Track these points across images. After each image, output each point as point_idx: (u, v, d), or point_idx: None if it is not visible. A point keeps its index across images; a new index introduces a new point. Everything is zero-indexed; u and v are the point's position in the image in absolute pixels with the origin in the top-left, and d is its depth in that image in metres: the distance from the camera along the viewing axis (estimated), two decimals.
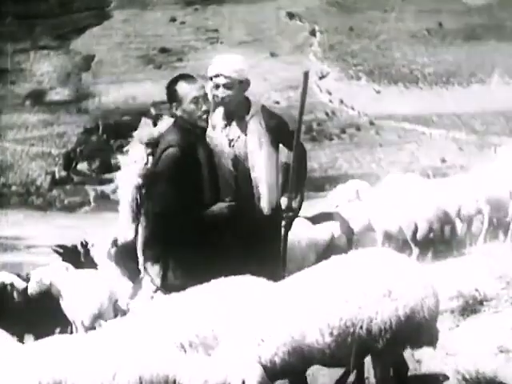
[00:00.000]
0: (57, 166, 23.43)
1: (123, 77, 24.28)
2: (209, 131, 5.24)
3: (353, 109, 23.70)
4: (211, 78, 5.20)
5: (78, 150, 23.59)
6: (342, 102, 23.83)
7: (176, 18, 25.21)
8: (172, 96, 5.21)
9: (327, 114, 23.31)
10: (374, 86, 24.13)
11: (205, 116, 5.14)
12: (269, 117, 5.21)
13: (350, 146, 22.97)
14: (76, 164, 23.55)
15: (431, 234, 10.39)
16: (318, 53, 24.58)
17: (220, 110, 5.22)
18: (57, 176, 23.36)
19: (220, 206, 5.11)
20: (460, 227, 10.66)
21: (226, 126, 5.17)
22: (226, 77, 5.21)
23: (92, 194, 22.70)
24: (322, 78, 24.08)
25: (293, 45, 24.75)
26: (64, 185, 23.17)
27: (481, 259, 7.31)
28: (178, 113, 5.20)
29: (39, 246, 18.15)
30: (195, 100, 5.14)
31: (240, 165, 5.16)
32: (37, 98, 24.02)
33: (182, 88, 5.19)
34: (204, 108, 5.13)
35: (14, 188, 22.98)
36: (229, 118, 5.20)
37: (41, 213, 22.24)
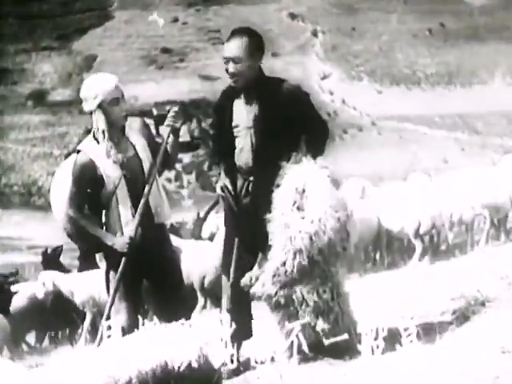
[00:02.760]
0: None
1: (125, 77, 24.25)
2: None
3: (355, 109, 23.68)
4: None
5: None
6: (343, 102, 23.82)
7: (178, 18, 25.20)
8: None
9: (329, 115, 23.28)
10: (376, 87, 24.11)
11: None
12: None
13: (352, 147, 22.95)
14: None
15: (433, 231, 10.39)
16: (320, 53, 24.57)
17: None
18: None
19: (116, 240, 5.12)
20: (459, 228, 10.65)
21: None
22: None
23: None
24: (323, 78, 24.06)
25: (295, 45, 24.74)
26: None
27: (482, 260, 7.30)
28: None
29: (41, 246, 18.13)
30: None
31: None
32: (38, 98, 24.02)
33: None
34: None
35: (15, 188, 22.98)
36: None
37: (42, 213, 22.23)
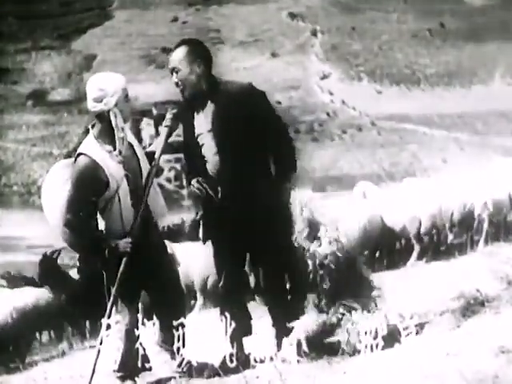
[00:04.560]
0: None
1: (125, 77, 24.23)
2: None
3: (354, 109, 23.68)
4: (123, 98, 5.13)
5: None
6: (343, 102, 23.82)
7: (178, 18, 25.20)
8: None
9: (328, 115, 23.29)
10: (376, 87, 24.11)
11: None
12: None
13: (351, 147, 22.95)
14: None
15: (434, 231, 10.42)
16: (320, 53, 24.57)
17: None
18: None
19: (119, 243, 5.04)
20: (459, 229, 10.66)
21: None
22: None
23: None
24: (323, 78, 24.06)
25: (294, 45, 24.74)
26: None
27: (482, 260, 7.32)
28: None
29: (40, 246, 18.13)
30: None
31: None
32: (38, 98, 24.01)
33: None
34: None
35: (15, 188, 22.97)
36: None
37: (42, 213, 22.19)
